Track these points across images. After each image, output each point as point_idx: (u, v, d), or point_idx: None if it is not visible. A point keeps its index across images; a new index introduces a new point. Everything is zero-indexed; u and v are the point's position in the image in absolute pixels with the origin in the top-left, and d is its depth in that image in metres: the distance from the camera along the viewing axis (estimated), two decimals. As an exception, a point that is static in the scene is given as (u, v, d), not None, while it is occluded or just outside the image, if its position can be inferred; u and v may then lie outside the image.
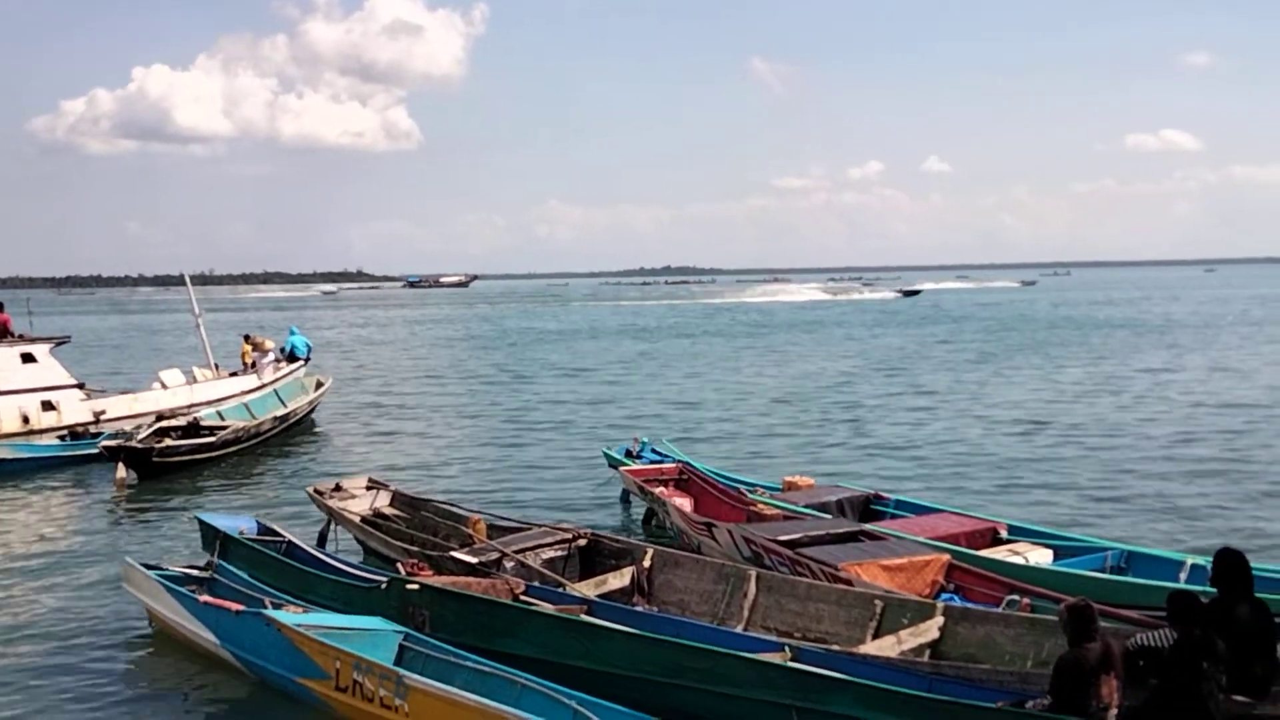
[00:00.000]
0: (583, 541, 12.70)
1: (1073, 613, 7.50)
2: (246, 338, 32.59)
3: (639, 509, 16.62)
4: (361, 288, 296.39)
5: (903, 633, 9.49)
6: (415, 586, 10.18)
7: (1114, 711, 7.29)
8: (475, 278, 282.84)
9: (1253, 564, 8.92)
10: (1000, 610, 9.88)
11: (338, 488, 15.65)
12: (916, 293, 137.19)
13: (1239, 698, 7.77)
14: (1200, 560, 10.65)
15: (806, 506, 13.93)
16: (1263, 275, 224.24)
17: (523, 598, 10.34)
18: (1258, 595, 8.49)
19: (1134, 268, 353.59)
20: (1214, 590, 8.47)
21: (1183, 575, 11.14)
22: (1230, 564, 8.36)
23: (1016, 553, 12.13)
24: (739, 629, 10.32)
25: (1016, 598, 10.21)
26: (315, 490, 15.59)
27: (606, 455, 18.13)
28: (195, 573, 12.06)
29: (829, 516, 13.53)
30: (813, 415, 28.77)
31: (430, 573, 11.17)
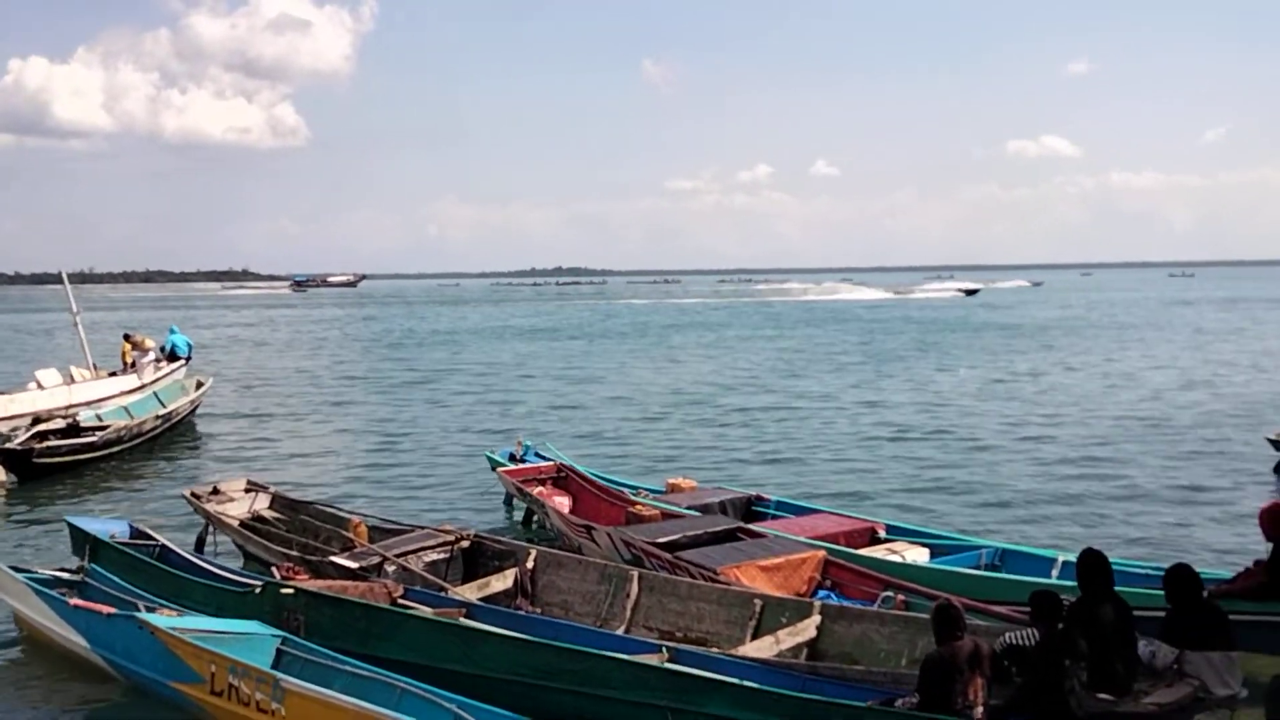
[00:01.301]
0: (466, 543, 12.63)
1: (938, 612, 7.66)
2: (126, 337, 31.95)
3: (522, 511, 16.59)
4: (246, 287, 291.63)
5: (781, 632, 9.59)
6: (290, 591, 10.04)
7: (980, 709, 7.44)
8: (364, 277, 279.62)
9: (1119, 560, 9.20)
10: (876, 608, 10.04)
11: (215, 490, 15.37)
12: (975, 291, 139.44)
13: (1101, 695, 7.98)
14: (1070, 557, 10.90)
15: (689, 508, 13.99)
16: (1138, 279, 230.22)
17: (401, 601, 10.28)
18: (1123, 591, 8.76)
19: (1015, 270, 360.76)
20: (1080, 590, 8.72)
21: (1054, 572, 11.40)
22: (1092, 563, 8.60)
23: (894, 551, 12.30)
24: (621, 630, 10.36)
25: (891, 594, 10.39)
26: (192, 493, 15.30)
27: (489, 458, 18.04)
28: (66, 576, 11.79)
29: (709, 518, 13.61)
30: (701, 417, 28.93)
31: (306, 576, 11.04)
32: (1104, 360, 43.92)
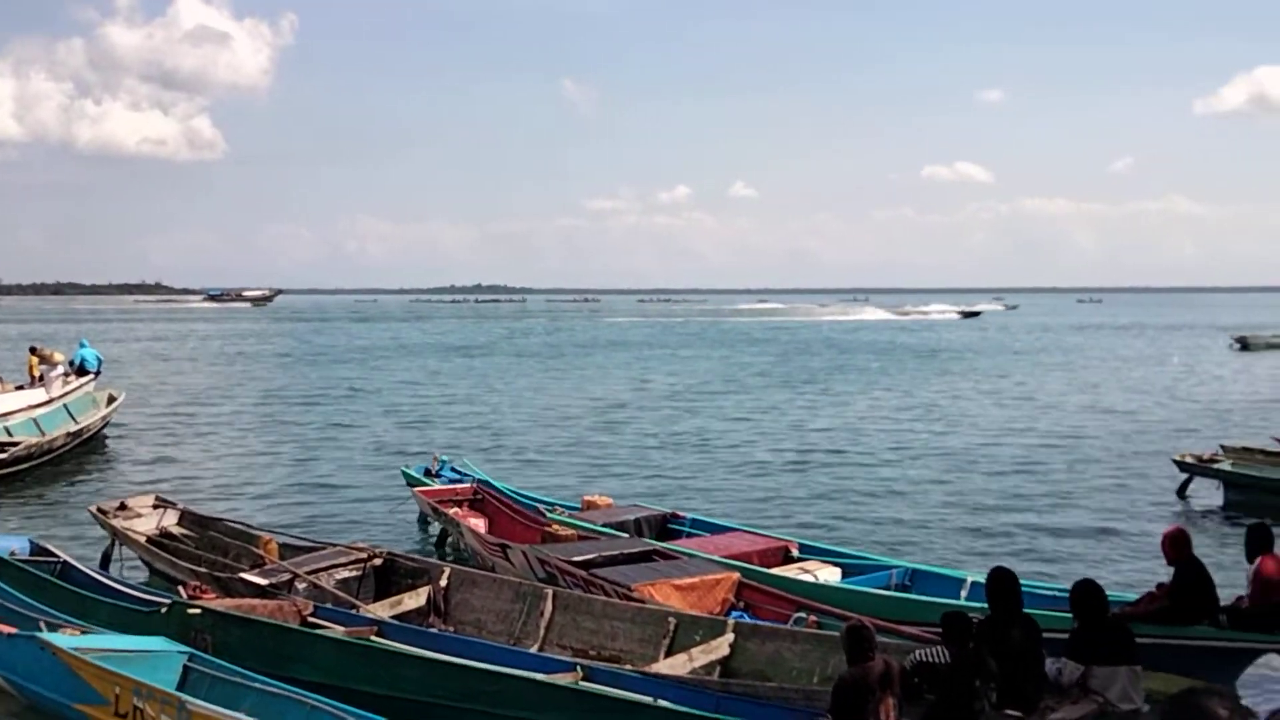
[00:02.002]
0: (378, 561, 12.48)
1: (849, 633, 7.70)
2: (33, 350, 31.23)
3: (438, 529, 16.48)
4: (159, 300, 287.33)
5: (694, 650, 9.60)
6: (197, 610, 9.87)
7: None
8: (280, 292, 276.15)
9: (1026, 582, 9.32)
10: (787, 627, 10.10)
11: (122, 506, 15.09)
12: (977, 314, 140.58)
13: (1009, 712, 8.09)
14: (979, 577, 11.02)
15: (604, 526, 13.99)
16: (1051, 305, 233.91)
17: (311, 619, 10.15)
18: (1030, 612, 8.88)
19: (931, 294, 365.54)
20: (989, 609, 8.83)
21: (963, 592, 11.53)
22: (1001, 582, 8.72)
23: (806, 570, 12.39)
24: (535, 648, 10.30)
25: (804, 614, 10.44)
26: (98, 509, 15.01)
27: (405, 474, 17.90)
28: (-36, 596, 11.49)
29: (625, 536, 13.62)
30: (618, 434, 28.98)
31: (214, 595, 10.86)
32: (1014, 384, 44.58)
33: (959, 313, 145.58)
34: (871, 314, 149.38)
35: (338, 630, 9.80)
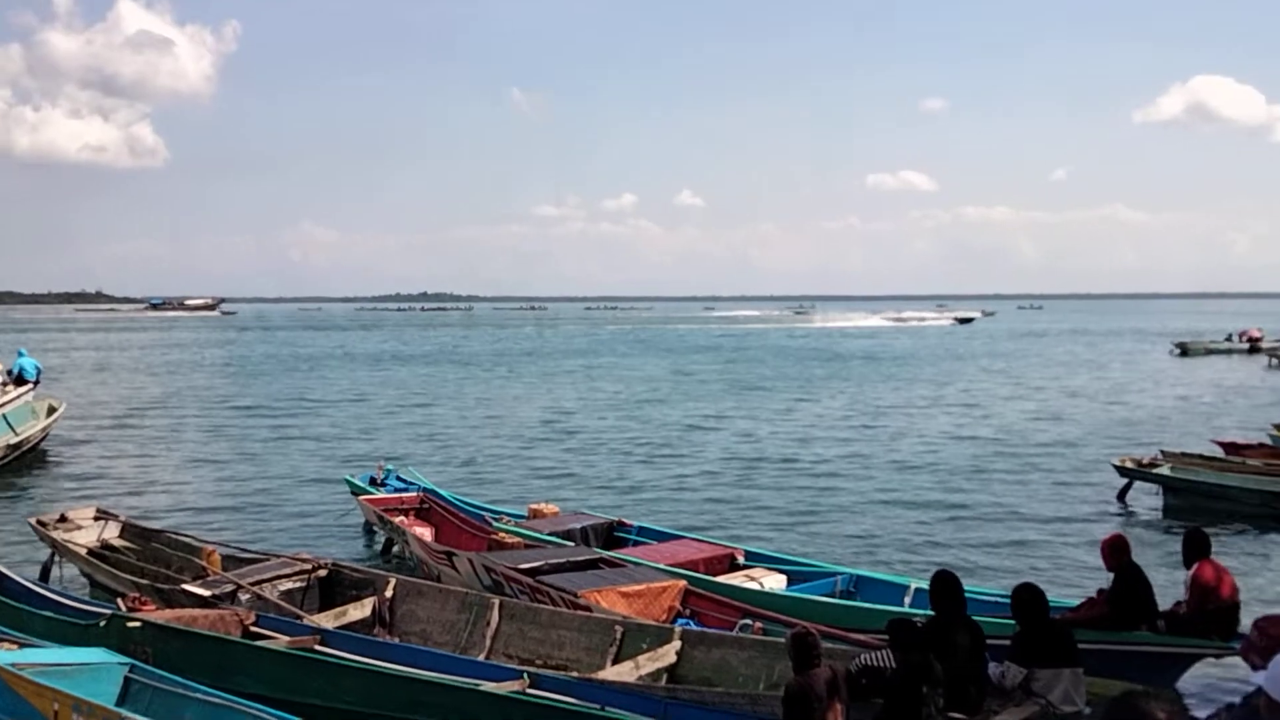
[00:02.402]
0: (323, 572, 12.38)
1: (795, 640, 7.73)
2: (-31, 360, 30.86)
3: (383, 538, 16.41)
4: (100, 309, 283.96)
5: (641, 658, 9.60)
6: (137, 623, 9.74)
7: None
8: (223, 301, 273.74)
9: (969, 588, 9.41)
10: (734, 634, 10.13)
11: (63, 518, 14.91)
12: (970, 320, 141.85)
13: (955, 715, 8.16)
14: (922, 584, 11.12)
15: (550, 534, 14.00)
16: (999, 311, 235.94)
17: (253, 629, 10.06)
18: (973, 616, 8.96)
19: (875, 301, 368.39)
20: (933, 612, 8.91)
21: (907, 599, 11.63)
22: (945, 586, 8.79)
23: (752, 578, 12.44)
24: (481, 658, 10.28)
25: (749, 622, 10.48)
26: (38, 521, 14.83)
27: (349, 483, 17.82)
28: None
29: (571, 544, 13.64)
30: (565, 443, 28.98)
31: (154, 607, 10.75)
32: (958, 390, 44.97)
33: (954, 319, 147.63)
34: (867, 320, 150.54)
35: (280, 640, 9.73)
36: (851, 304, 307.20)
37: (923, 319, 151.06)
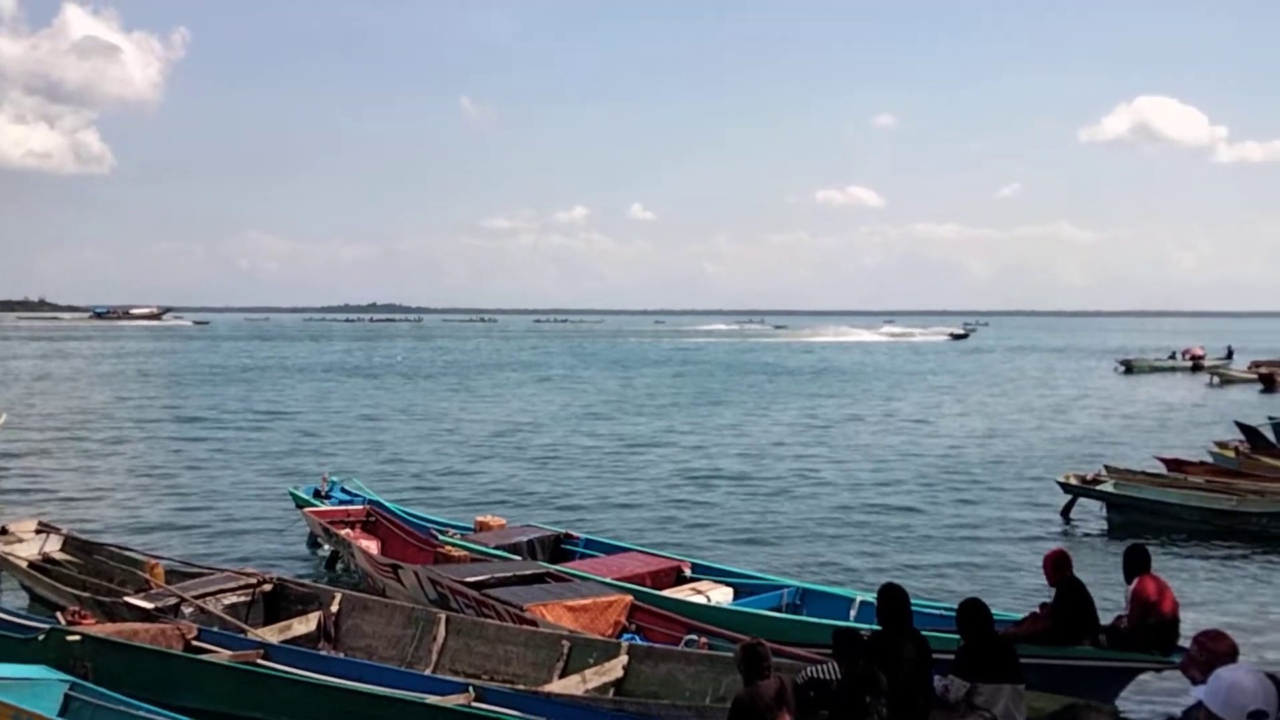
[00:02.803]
0: (268, 586, 12.25)
1: (745, 652, 7.76)
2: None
3: (328, 550, 16.30)
4: (43, 318, 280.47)
5: (588, 672, 9.59)
6: (76, 637, 9.63)
7: None
8: (169, 309, 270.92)
9: (915, 600, 9.45)
10: (680, 649, 10.14)
11: (3, 531, 14.67)
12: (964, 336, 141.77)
13: (900, 727, 8.20)
14: (868, 597, 11.17)
15: (497, 547, 13.97)
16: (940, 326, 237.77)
17: (195, 643, 9.96)
18: (919, 629, 9.01)
19: (825, 316, 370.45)
20: (879, 625, 8.95)
21: (852, 612, 11.68)
22: (892, 599, 8.82)
23: (699, 591, 12.48)
24: (427, 673, 10.23)
25: (695, 637, 10.49)
26: (-22, 534, 14.63)
27: (293, 495, 17.68)
28: None
29: (518, 557, 13.61)
30: (513, 455, 28.92)
31: (94, 621, 10.62)
32: (904, 406, 45.27)
33: (949, 334, 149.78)
34: (865, 336, 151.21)
35: (223, 654, 9.64)
36: (801, 319, 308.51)
37: (911, 334, 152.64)
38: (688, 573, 13.28)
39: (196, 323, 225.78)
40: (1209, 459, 23.86)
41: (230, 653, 9.72)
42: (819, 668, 8.11)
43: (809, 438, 33.38)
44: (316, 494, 17.22)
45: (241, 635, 10.46)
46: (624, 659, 9.77)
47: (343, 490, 17.53)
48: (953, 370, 73.54)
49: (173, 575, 12.82)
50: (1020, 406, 45.05)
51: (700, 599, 12.16)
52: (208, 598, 11.69)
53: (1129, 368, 71.70)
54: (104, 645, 9.57)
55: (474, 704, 8.51)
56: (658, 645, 10.24)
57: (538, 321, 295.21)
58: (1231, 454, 23.95)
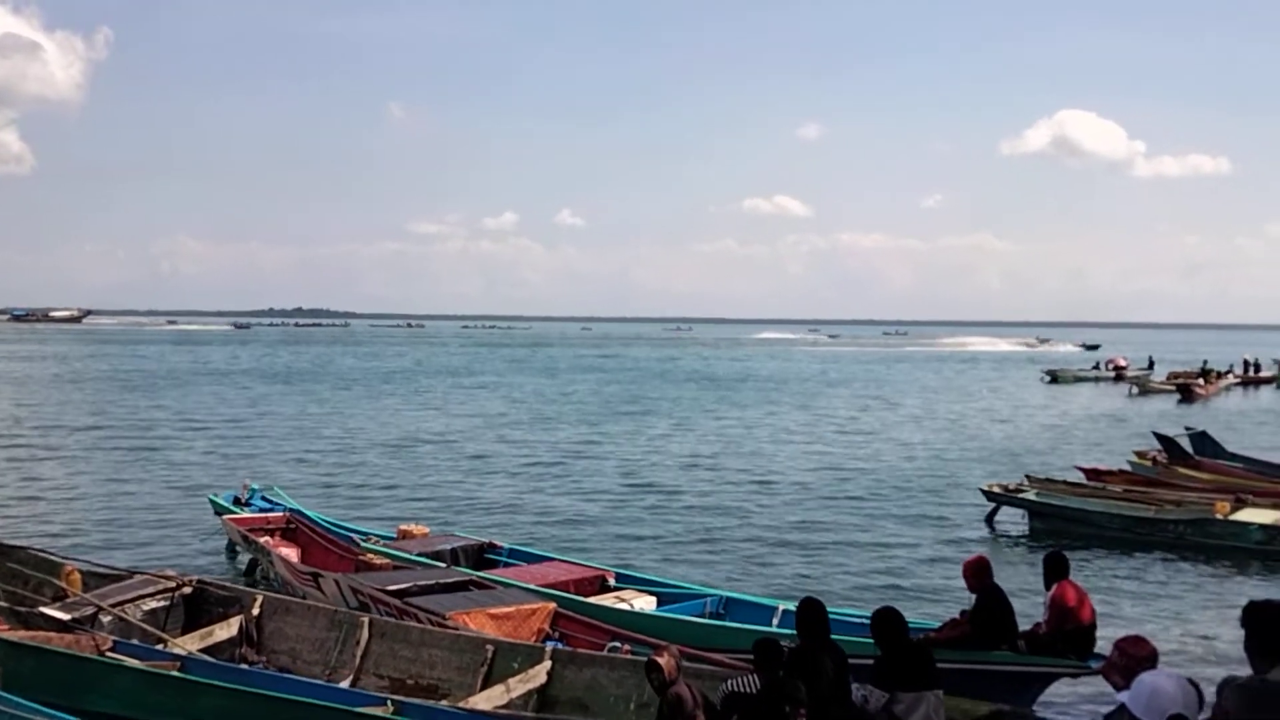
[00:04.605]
0: (188, 590, 12.04)
1: (649, 665, 7.85)
2: None
3: (248, 558, 16.09)
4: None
5: (512, 680, 9.53)
6: (-15, 642, 9.44)
7: None
8: (90, 312, 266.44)
9: (835, 610, 9.49)
10: (604, 654, 10.10)
11: (-85, 536, 14.39)
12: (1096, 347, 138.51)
13: (818, 738, 8.21)
14: (790, 605, 11.21)
15: (419, 555, 13.85)
16: (865, 335, 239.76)
17: (110, 655, 9.75)
18: (838, 639, 9.04)
19: (753, 325, 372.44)
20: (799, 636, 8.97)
21: (775, 620, 11.72)
22: (810, 612, 8.85)
23: (623, 599, 12.46)
24: (350, 678, 10.13)
25: (618, 644, 10.46)
26: (-114, 540, 14.27)
27: (212, 502, 17.44)
28: None
29: (441, 565, 13.50)
30: (436, 463, 28.76)
31: (6, 627, 10.40)
32: (831, 415, 45.59)
33: (1083, 345, 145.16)
34: (998, 346, 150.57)
35: (137, 664, 9.45)
36: (728, 327, 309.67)
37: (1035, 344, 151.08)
38: (612, 582, 13.26)
39: (238, 325, 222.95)
40: (1128, 468, 24.23)
41: (145, 662, 9.54)
42: (738, 680, 8.11)
43: (735, 446, 33.48)
44: (236, 501, 17.01)
45: (158, 646, 10.26)
46: (548, 664, 9.74)
47: (263, 498, 17.33)
48: (878, 380, 74.09)
49: (90, 579, 12.55)
50: (946, 415, 45.50)
51: (624, 607, 12.14)
52: (126, 604, 11.46)
53: (1054, 378, 72.79)
54: (16, 649, 9.39)
55: (391, 717, 8.41)
56: (581, 651, 10.19)
57: (465, 327, 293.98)
58: (1150, 463, 24.36)
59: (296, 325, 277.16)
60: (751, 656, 8.23)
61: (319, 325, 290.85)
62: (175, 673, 9.29)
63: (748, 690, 7.99)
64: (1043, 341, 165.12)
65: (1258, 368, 74.68)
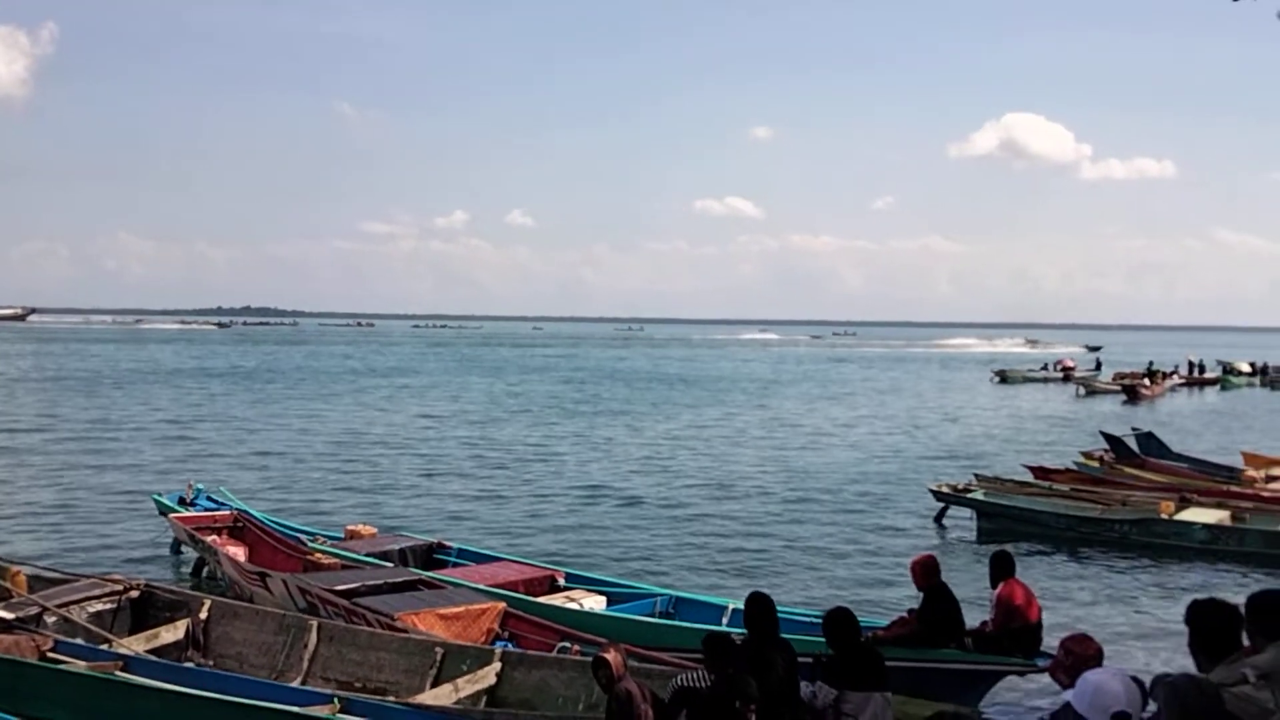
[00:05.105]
0: (135, 593, 11.91)
1: (596, 663, 7.85)
2: None
3: (194, 558, 15.92)
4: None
5: (460, 680, 9.51)
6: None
7: None
8: (34, 311, 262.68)
9: (785, 608, 9.51)
10: (554, 655, 10.08)
11: None
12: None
13: (766, 735, 8.22)
14: (740, 604, 11.21)
15: (368, 555, 13.78)
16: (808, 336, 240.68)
17: (51, 655, 9.63)
18: (788, 637, 9.07)
19: (703, 325, 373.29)
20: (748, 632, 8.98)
21: (724, 619, 11.75)
22: (759, 608, 8.87)
23: (572, 599, 12.45)
24: (298, 681, 10.04)
25: (568, 644, 10.44)
26: None
27: (157, 502, 17.22)
28: None
29: (390, 565, 13.43)
30: (383, 462, 28.65)
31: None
32: (780, 415, 45.73)
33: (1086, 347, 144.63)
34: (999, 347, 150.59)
35: (81, 665, 9.34)
36: (679, 327, 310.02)
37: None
38: (561, 581, 13.25)
39: (220, 325, 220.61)
40: (1075, 468, 24.45)
41: (87, 664, 9.42)
42: (688, 675, 8.12)
43: (686, 447, 33.49)
44: (182, 501, 16.82)
45: (103, 647, 10.14)
46: (497, 666, 9.71)
47: (208, 498, 17.16)
48: (832, 380, 74.39)
49: (36, 582, 12.36)
50: (897, 415, 45.73)
51: (574, 607, 12.12)
52: (71, 606, 11.33)
53: (1004, 378, 73.48)
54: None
55: (339, 715, 8.36)
56: (531, 652, 10.16)
57: (416, 327, 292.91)
58: (1096, 463, 24.60)
59: (245, 324, 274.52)
60: (702, 654, 8.25)
61: (266, 324, 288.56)
62: (118, 674, 9.18)
63: (698, 685, 8.00)
64: (1031, 343, 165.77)
65: (1202, 369, 75.72)
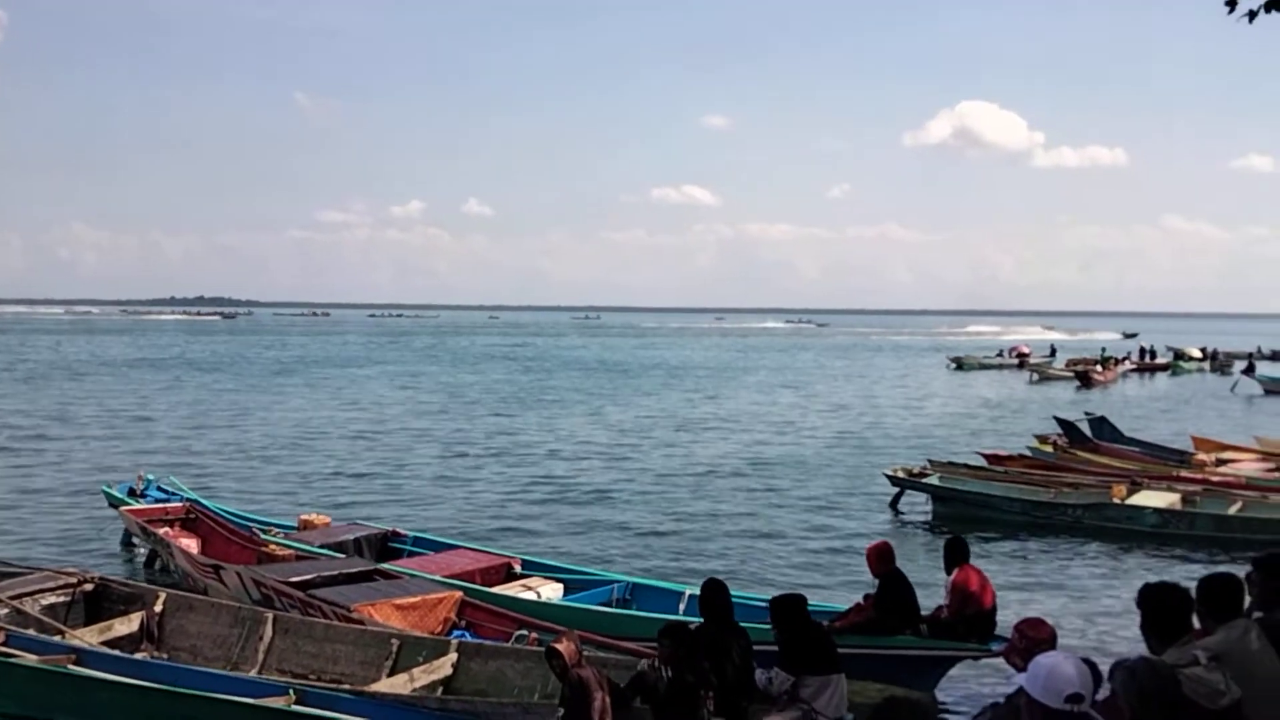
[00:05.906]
0: (89, 586, 11.83)
1: (549, 653, 7.89)
2: None
3: (145, 551, 15.78)
4: None
5: (416, 670, 9.52)
6: None
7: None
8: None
9: (740, 594, 9.54)
10: (510, 645, 10.08)
11: None
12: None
13: (721, 720, 8.27)
14: (696, 590, 11.25)
15: (322, 546, 13.72)
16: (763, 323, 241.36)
17: (2, 649, 9.53)
18: (745, 624, 9.11)
19: (660, 313, 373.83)
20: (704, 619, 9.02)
21: (681, 606, 11.79)
22: (714, 593, 8.93)
23: (529, 587, 12.45)
24: (253, 674, 9.99)
25: (525, 633, 10.44)
26: None
27: (107, 494, 17.04)
28: None
29: (344, 556, 13.38)
30: (336, 452, 28.51)
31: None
32: (737, 402, 45.82)
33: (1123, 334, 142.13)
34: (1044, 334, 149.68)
35: (31, 658, 9.25)
36: (636, 315, 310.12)
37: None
38: (518, 569, 13.25)
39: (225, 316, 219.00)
40: (1027, 452, 24.65)
41: (39, 657, 9.33)
42: (646, 663, 8.15)
43: (642, 433, 33.54)
44: (131, 492, 16.65)
45: (56, 639, 10.05)
46: (453, 656, 9.73)
47: (159, 489, 17.00)
48: (788, 367, 74.64)
49: (-14, 575, 12.28)
50: (853, 402, 45.91)
51: (530, 595, 12.14)
52: (24, 598, 11.24)
53: (959, 364, 73.97)
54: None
55: (295, 706, 8.33)
56: (487, 642, 10.17)
57: (373, 316, 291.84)
58: (1049, 448, 24.81)
59: (199, 314, 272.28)
60: (658, 641, 8.27)
61: (220, 315, 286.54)
62: (71, 667, 9.10)
63: (656, 672, 8.04)
64: (1047, 329, 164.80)
65: (1153, 355, 76.58)
